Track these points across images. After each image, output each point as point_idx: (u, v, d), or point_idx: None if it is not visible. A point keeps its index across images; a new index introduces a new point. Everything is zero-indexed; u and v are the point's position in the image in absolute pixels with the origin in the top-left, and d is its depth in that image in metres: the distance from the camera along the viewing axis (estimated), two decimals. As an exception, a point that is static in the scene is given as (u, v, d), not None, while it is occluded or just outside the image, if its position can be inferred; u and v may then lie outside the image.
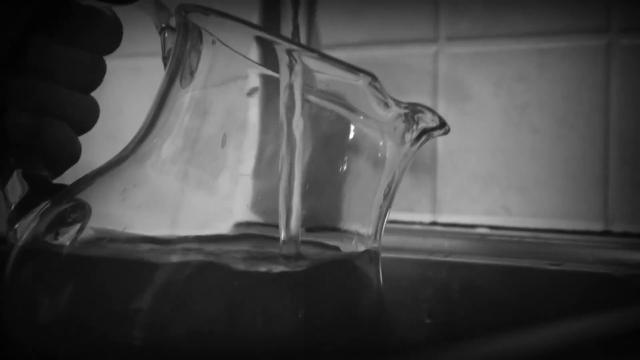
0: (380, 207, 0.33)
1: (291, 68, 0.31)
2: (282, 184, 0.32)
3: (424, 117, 0.31)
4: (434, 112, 0.31)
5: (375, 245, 0.33)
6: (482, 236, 0.59)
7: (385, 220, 0.33)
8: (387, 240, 0.59)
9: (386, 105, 0.31)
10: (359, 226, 0.33)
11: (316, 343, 0.30)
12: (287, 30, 0.34)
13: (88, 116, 0.35)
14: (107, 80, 0.35)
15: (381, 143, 0.32)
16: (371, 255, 0.33)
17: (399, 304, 0.51)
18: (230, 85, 0.32)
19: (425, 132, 0.31)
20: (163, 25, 0.34)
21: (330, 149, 0.33)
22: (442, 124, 0.31)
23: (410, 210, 0.66)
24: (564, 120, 0.61)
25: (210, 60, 0.32)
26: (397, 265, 0.51)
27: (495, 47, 0.63)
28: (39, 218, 0.32)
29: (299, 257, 0.31)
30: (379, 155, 0.32)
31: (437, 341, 0.49)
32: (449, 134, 0.63)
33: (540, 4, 0.62)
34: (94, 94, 0.36)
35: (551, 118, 0.62)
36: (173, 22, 0.34)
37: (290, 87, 0.32)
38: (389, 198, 0.33)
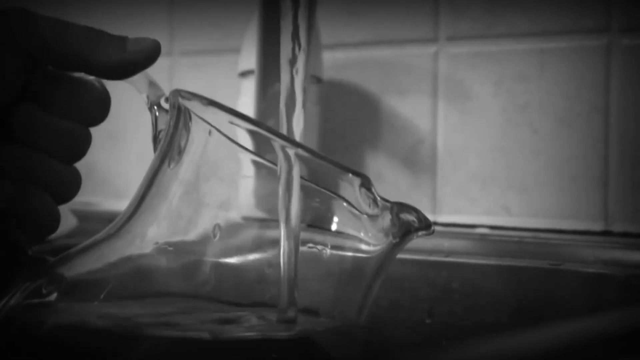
0: (364, 297, 0.33)
1: (288, 163, 0.32)
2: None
3: (410, 217, 0.32)
4: (418, 212, 0.32)
5: (358, 324, 0.33)
6: (482, 236, 0.59)
7: (367, 308, 0.34)
8: (387, 240, 0.59)
9: (375, 204, 0.31)
10: (342, 311, 0.33)
11: None
12: (287, 30, 0.34)
13: (69, 187, 0.35)
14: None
15: (366, 238, 0.32)
16: (350, 338, 0.33)
17: (399, 304, 0.51)
18: (224, 172, 0.33)
19: (410, 232, 0.32)
20: (155, 106, 0.34)
21: (317, 237, 0.33)
22: (428, 226, 0.32)
23: (410, 210, 0.66)
24: (564, 120, 0.61)
25: (203, 146, 0.32)
26: (397, 265, 0.51)
27: (495, 47, 0.63)
28: (19, 294, 0.32)
29: (293, 322, 0.32)
30: (364, 247, 0.33)
31: (437, 341, 0.49)
32: (449, 134, 0.63)
33: (540, 4, 0.62)
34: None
35: (551, 118, 0.62)
36: (163, 101, 0.34)
37: (288, 181, 0.32)
38: (371, 290, 0.33)
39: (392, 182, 0.67)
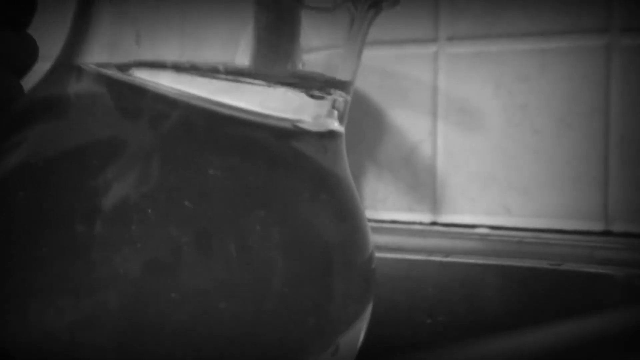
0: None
1: None
2: None
3: None
4: None
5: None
6: (482, 236, 0.59)
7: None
8: (387, 240, 0.59)
9: None
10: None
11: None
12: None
13: (25, 56, 0.33)
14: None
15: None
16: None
17: (399, 304, 0.51)
18: None
19: (375, 3, 0.32)
20: None
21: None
22: None
23: (410, 210, 0.66)
24: (564, 120, 0.61)
25: None
26: (397, 265, 0.51)
27: (496, 47, 0.63)
28: None
29: None
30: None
31: (437, 341, 0.49)
32: (450, 134, 0.63)
33: (540, 4, 0.62)
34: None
35: (551, 118, 0.62)
36: None
37: None
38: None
39: (392, 182, 0.67)
